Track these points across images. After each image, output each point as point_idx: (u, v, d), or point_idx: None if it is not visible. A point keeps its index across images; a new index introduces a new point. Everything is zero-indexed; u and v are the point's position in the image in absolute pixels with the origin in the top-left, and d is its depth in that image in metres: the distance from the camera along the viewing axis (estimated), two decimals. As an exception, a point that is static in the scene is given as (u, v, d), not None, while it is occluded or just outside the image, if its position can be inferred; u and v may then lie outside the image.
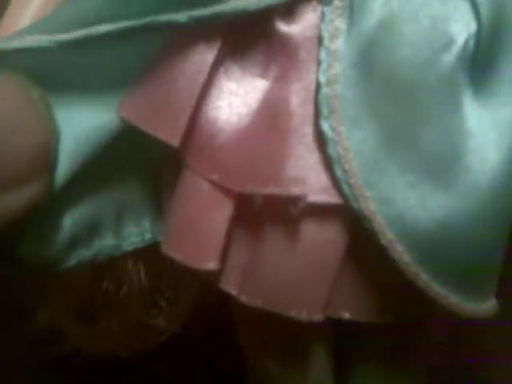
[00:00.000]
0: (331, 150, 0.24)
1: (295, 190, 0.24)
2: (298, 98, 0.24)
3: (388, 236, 0.24)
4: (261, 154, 0.25)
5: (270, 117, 0.25)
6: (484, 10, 0.24)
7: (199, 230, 0.26)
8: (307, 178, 0.24)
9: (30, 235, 0.26)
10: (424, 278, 0.25)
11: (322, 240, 0.25)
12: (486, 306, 0.26)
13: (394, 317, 0.27)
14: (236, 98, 0.25)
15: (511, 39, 0.24)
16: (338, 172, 0.24)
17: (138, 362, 0.37)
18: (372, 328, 0.28)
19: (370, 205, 0.24)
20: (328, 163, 0.24)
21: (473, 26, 0.24)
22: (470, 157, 0.24)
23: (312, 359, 0.29)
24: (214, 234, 0.26)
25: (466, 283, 0.26)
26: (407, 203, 0.24)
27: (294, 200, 0.24)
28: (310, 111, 0.24)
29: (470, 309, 0.26)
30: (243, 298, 0.26)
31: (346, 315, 0.27)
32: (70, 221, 0.27)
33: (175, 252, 0.26)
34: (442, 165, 0.24)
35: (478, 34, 0.24)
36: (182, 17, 0.23)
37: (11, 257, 0.26)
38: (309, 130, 0.24)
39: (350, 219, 0.25)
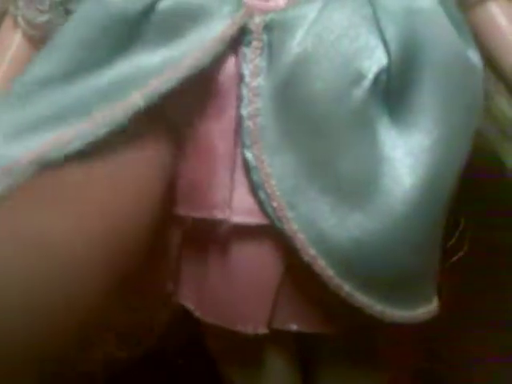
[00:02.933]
0: (255, 177, 0.26)
1: (219, 214, 0.26)
2: (220, 132, 0.26)
3: (310, 252, 0.26)
4: (191, 182, 0.27)
5: (197, 149, 0.27)
6: (393, 47, 0.25)
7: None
8: (233, 202, 0.26)
9: None
10: (347, 289, 0.26)
11: (260, 258, 0.27)
12: (421, 311, 0.28)
13: (340, 327, 0.29)
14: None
15: (419, 73, 0.26)
16: (262, 196, 0.26)
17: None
18: (330, 336, 0.29)
19: (292, 225, 0.26)
20: (253, 188, 0.26)
21: (384, 61, 0.25)
22: (385, 180, 0.26)
23: (271, 368, 0.31)
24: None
25: (392, 293, 0.27)
26: (327, 223, 0.26)
27: (219, 223, 0.26)
28: (232, 143, 0.26)
29: (398, 315, 0.27)
30: (197, 313, 0.29)
31: (294, 327, 0.29)
32: None
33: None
34: (358, 188, 0.26)
35: (389, 68, 0.25)
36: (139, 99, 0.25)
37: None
38: (232, 160, 0.26)
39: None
